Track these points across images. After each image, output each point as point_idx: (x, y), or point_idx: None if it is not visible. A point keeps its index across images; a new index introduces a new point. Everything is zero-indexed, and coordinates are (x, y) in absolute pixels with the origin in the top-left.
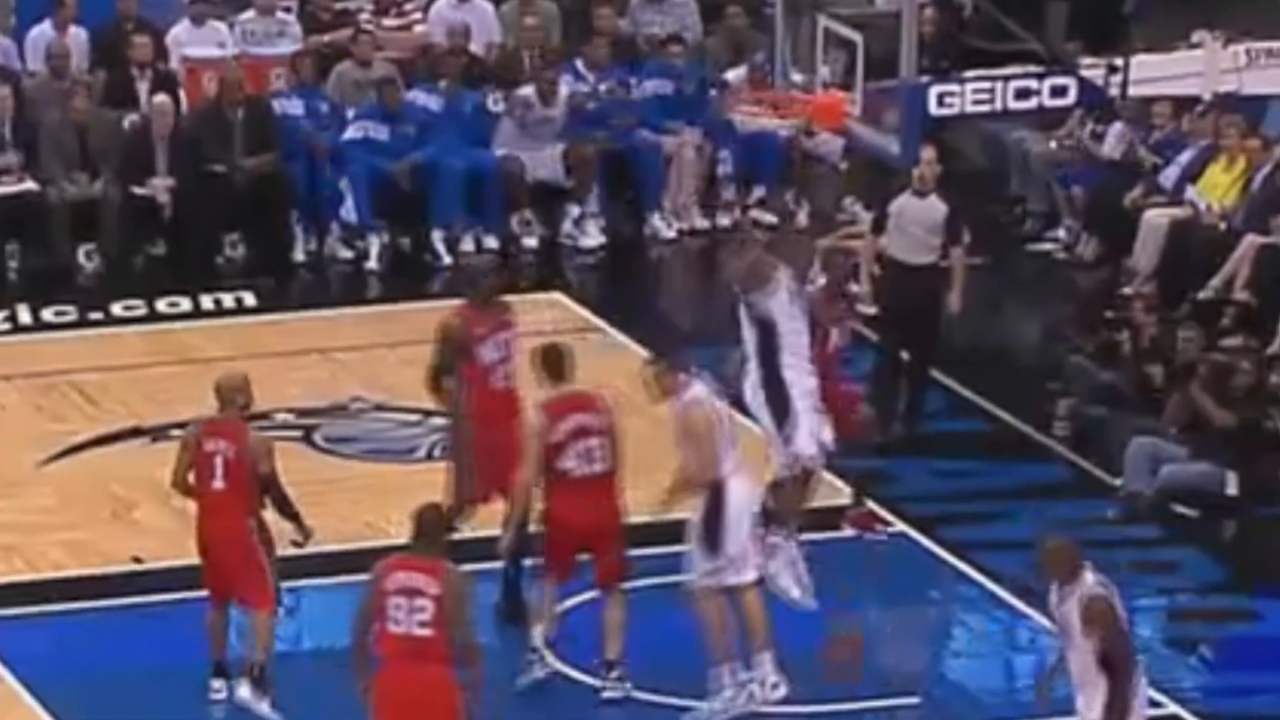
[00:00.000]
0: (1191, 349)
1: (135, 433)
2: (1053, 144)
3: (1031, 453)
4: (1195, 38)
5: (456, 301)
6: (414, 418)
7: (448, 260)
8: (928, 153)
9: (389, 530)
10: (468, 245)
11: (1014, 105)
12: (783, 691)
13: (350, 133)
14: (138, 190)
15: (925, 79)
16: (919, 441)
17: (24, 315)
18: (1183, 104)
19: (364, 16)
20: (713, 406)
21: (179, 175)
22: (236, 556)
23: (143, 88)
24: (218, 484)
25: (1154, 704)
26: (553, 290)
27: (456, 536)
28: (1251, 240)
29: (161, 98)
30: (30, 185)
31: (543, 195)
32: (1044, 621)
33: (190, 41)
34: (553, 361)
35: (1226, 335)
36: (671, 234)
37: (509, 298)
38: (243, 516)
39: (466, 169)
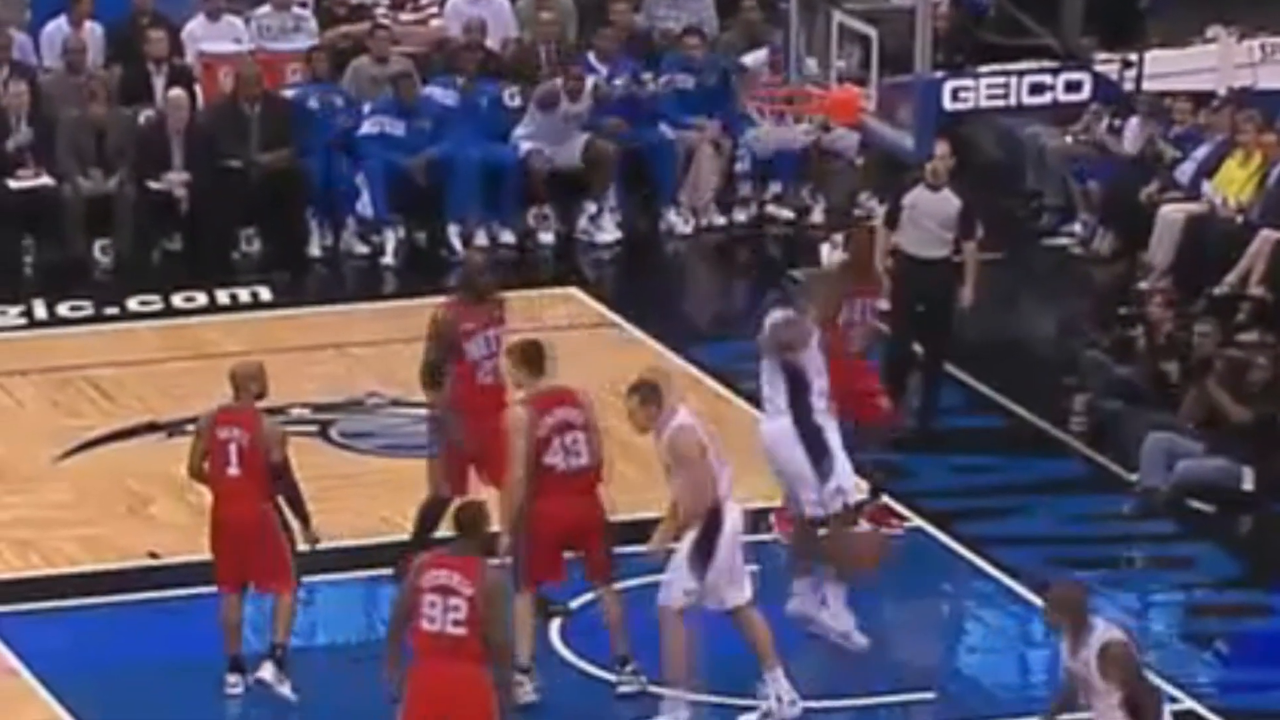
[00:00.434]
0: (1208, 344)
1: (151, 428)
2: (1068, 139)
3: (1048, 448)
4: (1210, 33)
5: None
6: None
7: (463, 255)
8: (941, 147)
9: (405, 525)
10: (483, 240)
11: (1028, 100)
12: (800, 708)
13: (366, 128)
14: (153, 185)
15: (940, 74)
16: (935, 437)
17: (40, 310)
18: (1201, 99)
19: (380, 11)
20: (701, 429)
21: (194, 170)
22: (255, 540)
23: (158, 83)
24: (233, 470)
25: (1170, 699)
26: (569, 285)
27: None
28: (1267, 235)
29: (176, 92)
30: (46, 180)
31: (560, 191)
32: None
33: (206, 36)
34: (533, 356)
35: (1242, 330)
36: (688, 229)
37: (526, 293)
38: (259, 501)
39: (483, 163)
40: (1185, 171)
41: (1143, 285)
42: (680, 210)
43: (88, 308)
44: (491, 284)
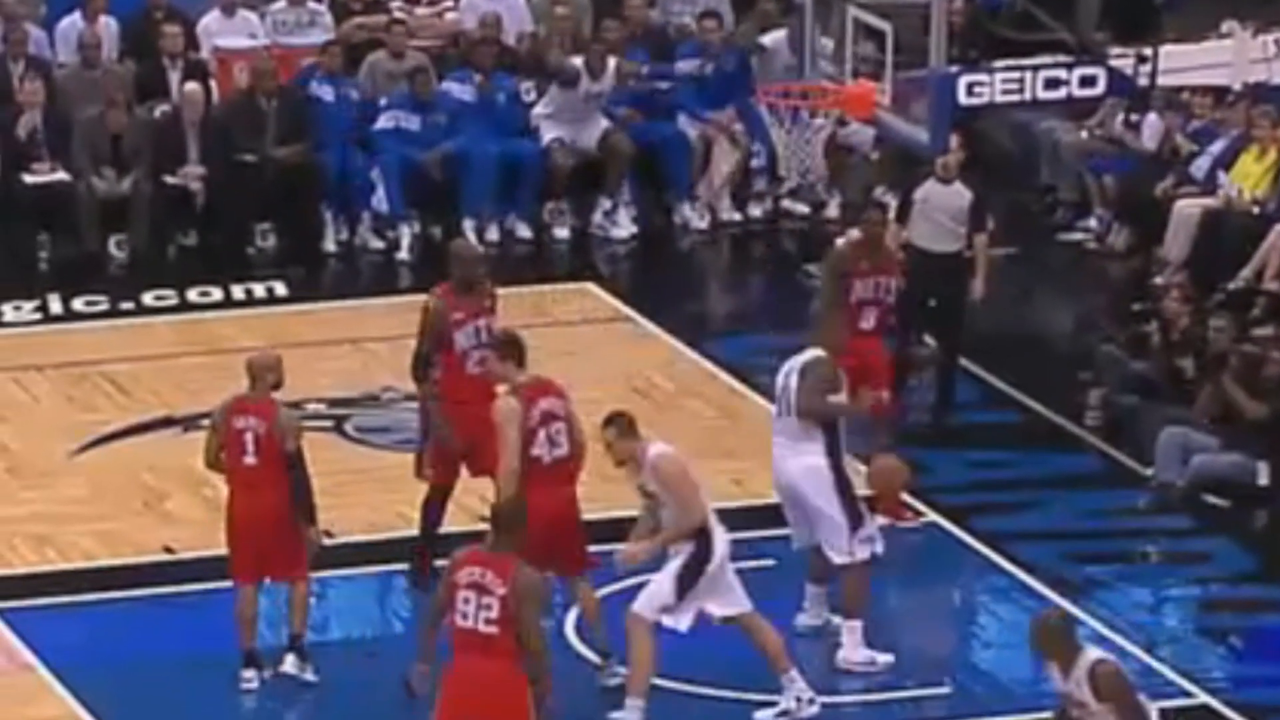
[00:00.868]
0: (1223, 339)
1: (166, 422)
2: (1084, 134)
3: (1063, 443)
4: (1225, 28)
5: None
6: None
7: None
8: (952, 140)
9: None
10: (496, 235)
11: (1043, 95)
12: (818, 706)
13: (382, 123)
14: (170, 180)
15: (954, 69)
16: (951, 432)
17: (55, 305)
18: (1219, 94)
19: (396, 4)
20: (679, 454)
21: (210, 165)
22: (272, 529)
23: (173, 78)
24: (250, 460)
25: (1185, 694)
26: (584, 280)
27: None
28: None
29: (192, 86)
30: (61, 176)
31: (576, 184)
32: (1075, 610)
33: (221, 32)
34: (517, 349)
35: (1257, 325)
36: (703, 225)
37: (541, 288)
38: (277, 490)
39: (500, 157)
40: (1201, 166)
41: (1158, 280)
42: (695, 205)
43: (103, 303)
44: (482, 274)
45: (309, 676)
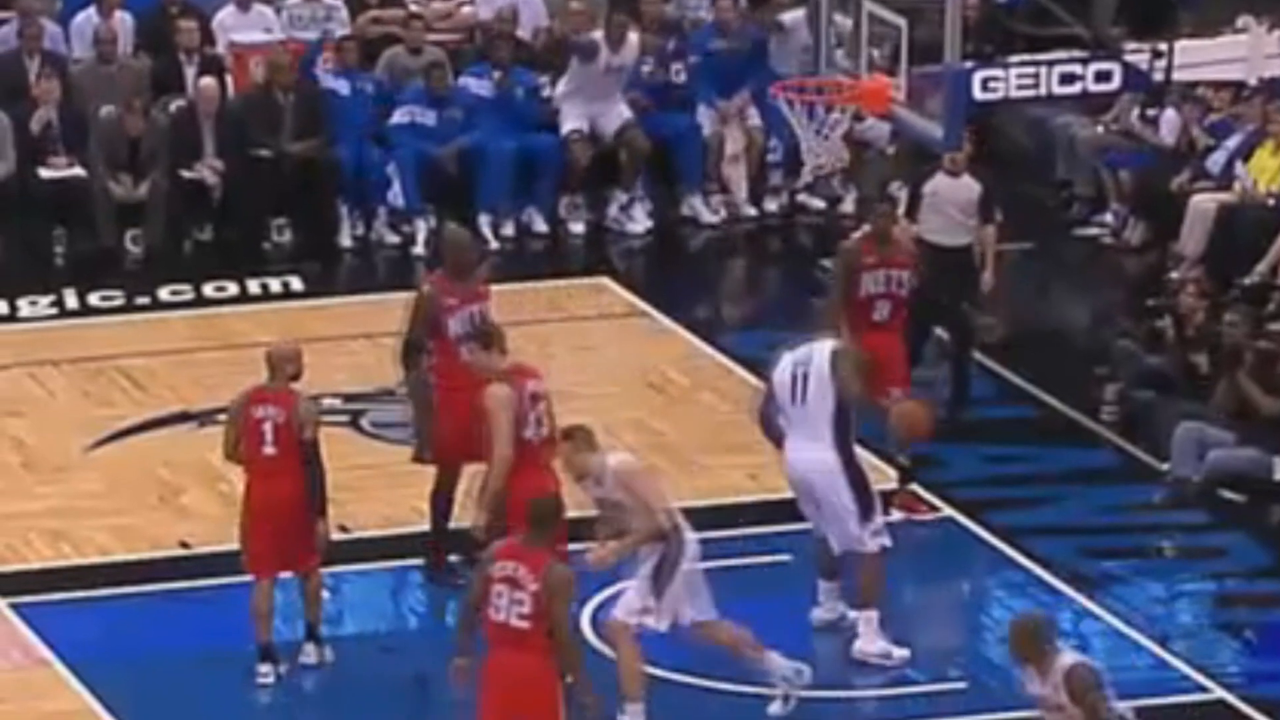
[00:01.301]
0: (1237, 334)
1: (182, 417)
2: (1099, 128)
3: (1079, 438)
4: (1240, 23)
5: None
6: None
7: (494, 245)
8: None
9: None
10: (511, 230)
11: (1058, 90)
12: (807, 672)
13: (397, 117)
14: (186, 174)
15: (969, 64)
16: (967, 426)
17: (71, 300)
18: (1237, 89)
19: None
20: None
21: (226, 159)
22: (290, 518)
23: (189, 73)
24: (269, 450)
25: (1200, 689)
26: (600, 275)
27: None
28: None
29: (207, 80)
30: (78, 171)
31: (591, 179)
32: (1091, 605)
33: (236, 26)
34: (501, 335)
35: (1273, 320)
36: (714, 218)
37: (557, 283)
38: (295, 480)
39: (516, 152)
40: (1217, 161)
41: (1174, 275)
42: (707, 199)
43: (119, 298)
44: (474, 260)
45: (328, 658)
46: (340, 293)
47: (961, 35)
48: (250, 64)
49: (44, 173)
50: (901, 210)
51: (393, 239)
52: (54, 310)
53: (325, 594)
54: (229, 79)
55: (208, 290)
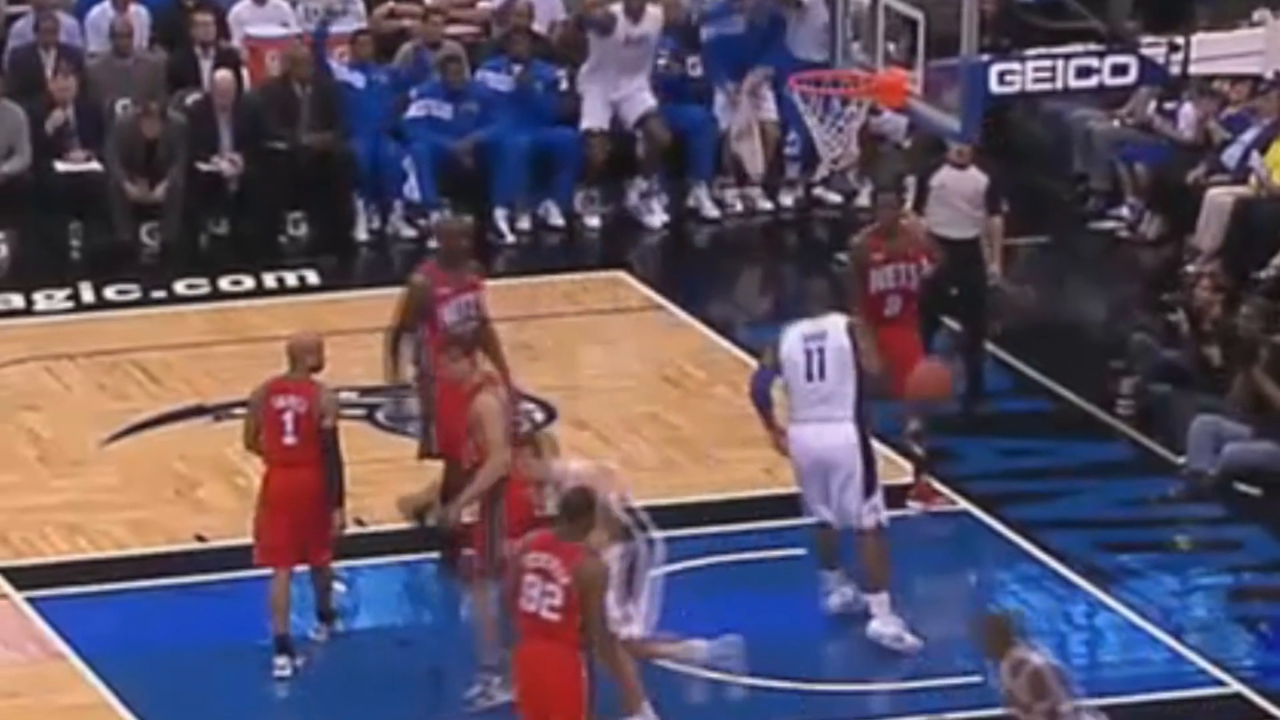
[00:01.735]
0: (1253, 328)
1: (198, 411)
2: (1116, 122)
3: (1095, 431)
4: (1257, 16)
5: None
6: None
7: (510, 239)
8: None
9: None
10: (528, 224)
11: (1075, 84)
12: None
13: (413, 111)
14: (203, 167)
15: (986, 57)
16: (982, 420)
17: (87, 294)
18: (1254, 82)
19: None
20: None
21: (242, 152)
22: (309, 509)
23: (205, 67)
24: (289, 439)
25: (1217, 682)
26: (616, 269)
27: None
28: None
29: (223, 73)
30: (94, 165)
31: (608, 170)
32: (1106, 599)
33: (252, 20)
34: (471, 343)
35: None
36: (716, 213)
37: (573, 276)
38: (315, 470)
39: (536, 146)
40: (1233, 155)
41: (1190, 269)
42: (712, 192)
43: (135, 291)
44: (467, 249)
45: (338, 626)
46: (356, 286)
47: (978, 28)
48: (266, 58)
49: (60, 166)
50: (909, 205)
51: (409, 233)
52: (70, 304)
53: (341, 587)
54: (244, 72)
55: (223, 284)
